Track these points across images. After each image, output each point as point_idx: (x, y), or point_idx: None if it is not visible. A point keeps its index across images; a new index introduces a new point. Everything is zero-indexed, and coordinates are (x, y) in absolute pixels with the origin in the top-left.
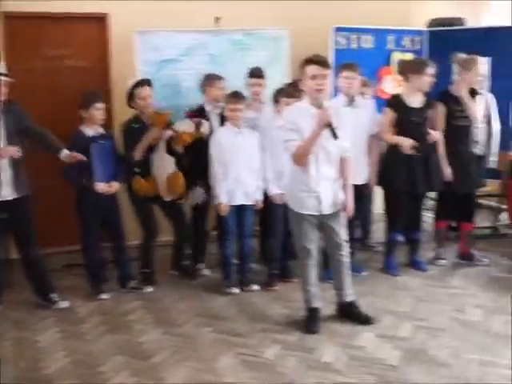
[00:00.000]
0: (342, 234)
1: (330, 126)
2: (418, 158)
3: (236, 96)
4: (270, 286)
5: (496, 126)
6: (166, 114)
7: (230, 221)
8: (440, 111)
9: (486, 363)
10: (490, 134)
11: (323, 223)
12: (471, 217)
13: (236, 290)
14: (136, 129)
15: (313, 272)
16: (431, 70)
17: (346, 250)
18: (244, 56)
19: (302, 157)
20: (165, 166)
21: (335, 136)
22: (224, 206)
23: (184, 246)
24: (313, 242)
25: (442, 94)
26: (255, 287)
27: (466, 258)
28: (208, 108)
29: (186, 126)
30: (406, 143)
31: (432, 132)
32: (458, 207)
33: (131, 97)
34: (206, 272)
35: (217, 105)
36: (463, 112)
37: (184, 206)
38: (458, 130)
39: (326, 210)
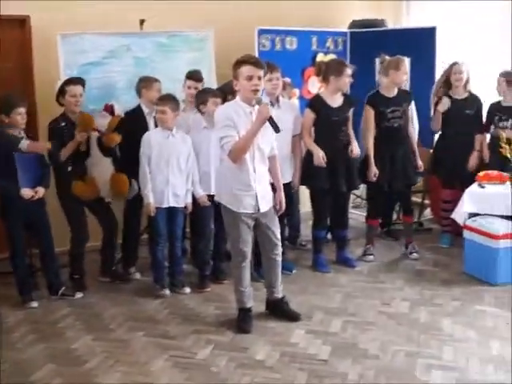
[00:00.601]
0: (277, 233)
1: (270, 119)
2: (338, 156)
3: (164, 99)
4: (202, 287)
5: (416, 125)
6: (90, 117)
7: (160, 224)
8: (369, 113)
9: (411, 354)
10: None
11: (258, 223)
12: (411, 210)
13: (167, 293)
14: (63, 128)
15: (247, 273)
16: (350, 70)
17: (280, 250)
18: (169, 58)
19: (241, 153)
20: (101, 165)
21: (277, 129)
22: (152, 207)
23: (113, 250)
24: (248, 244)
25: (371, 95)
26: (187, 290)
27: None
28: (145, 110)
29: (106, 121)
30: (317, 155)
31: (353, 148)
32: (390, 205)
33: (61, 93)
34: (138, 276)
35: (153, 107)
36: (394, 113)
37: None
38: (391, 131)
39: (263, 207)
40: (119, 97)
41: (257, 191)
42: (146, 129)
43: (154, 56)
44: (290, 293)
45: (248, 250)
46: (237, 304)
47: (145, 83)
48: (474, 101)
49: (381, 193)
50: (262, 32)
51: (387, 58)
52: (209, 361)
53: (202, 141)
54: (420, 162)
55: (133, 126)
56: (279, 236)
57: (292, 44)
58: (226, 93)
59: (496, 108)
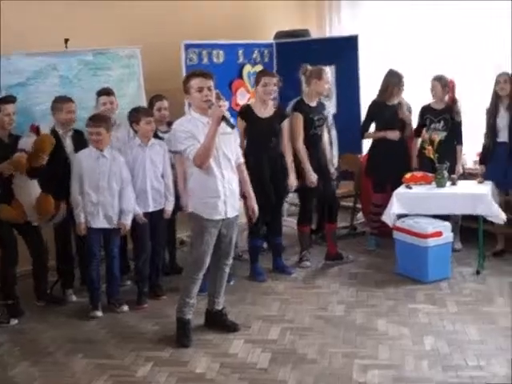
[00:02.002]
0: (233, 244)
1: (224, 118)
2: (267, 168)
3: (96, 119)
4: (140, 304)
5: (335, 132)
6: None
7: (93, 244)
8: (298, 119)
9: (349, 355)
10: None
11: (222, 231)
12: (335, 217)
13: (99, 314)
14: None
15: (197, 286)
16: (266, 79)
17: (231, 261)
18: (97, 76)
19: (205, 156)
20: (28, 187)
21: (232, 125)
22: (82, 226)
23: (45, 274)
24: (209, 257)
25: (296, 104)
26: (125, 308)
27: (335, 258)
28: (59, 131)
29: (31, 140)
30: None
31: (290, 181)
32: (321, 210)
33: None
34: (74, 298)
35: (69, 127)
36: (319, 121)
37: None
38: (316, 138)
39: (230, 213)
40: (45, 117)
41: (226, 196)
42: (61, 150)
43: (80, 75)
44: (228, 304)
45: (207, 262)
46: (177, 315)
47: (55, 104)
48: (407, 108)
49: (310, 199)
50: (188, 46)
51: (309, 67)
52: (149, 378)
53: (136, 158)
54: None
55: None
56: (234, 246)
57: (219, 57)
58: None
59: (427, 110)
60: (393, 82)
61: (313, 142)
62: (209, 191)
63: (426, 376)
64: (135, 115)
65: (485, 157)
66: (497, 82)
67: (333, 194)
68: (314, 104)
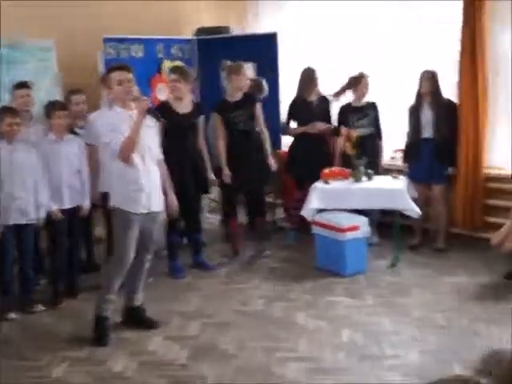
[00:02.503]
0: (154, 239)
1: (150, 110)
2: (186, 163)
3: (13, 111)
4: (56, 303)
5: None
6: None
7: (7, 241)
8: (218, 120)
9: (268, 349)
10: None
11: (143, 226)
12: (264, 212)
13: (14, 316)
14: None
15: (119, 282)
16: (172, 76)
17: (151, 256)
18: (12, 69)
19: (130, 149)
20: None
21: (158, 118)
22: None
23: None
24: (133, 253)
25: (218, 103)
26: (40, 307)
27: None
28: None
29: None
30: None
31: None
32: (249, 206)
33: None
34: None
35: None
36: (240, 117)
37: None
38: (239, 134)
39: (154, 206)
40: None
41: (149, 189)
42: None
43: None
44: (146, 300)
45: (130, 258)
46: (95, 311)
47: None
48: (323, 102)
49: (233, 195)
50: (107, 40)
51: (228, 63)
52: (65, 378)
53: (51, 154)
54: (272, 162)
55: None
56: (154, 242)
57: (138, 52)
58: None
59: (349, 109)
60: (307, 78)
61: (236, 139)
62: (132, 184)
63: (343, 366)
64: (49, 109)
65: (408, 155)
66: (420, 79)
67: (259, 189)
68: (235, 99)
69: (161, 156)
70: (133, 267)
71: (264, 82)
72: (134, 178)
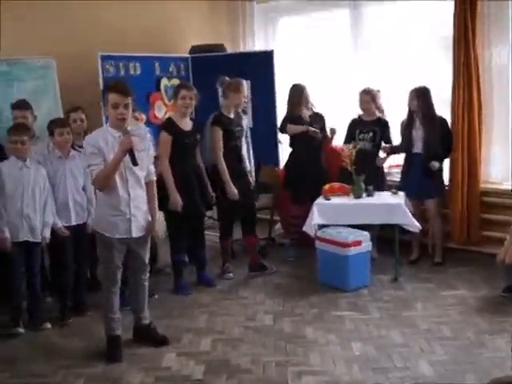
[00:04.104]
0: (146, 258)
1: (131, 151)
2: (194, 180)
3: (19, 128)
4: (63, 319)
5: (250, 145)
6: None
7: (16, 258)
8: (218, 133)
9: (281, 363)
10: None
11: (129, 248)
12: (254, 230)
13: (22, 330)
14: None
15: (116, 299)
16: (184, 93)
17: (147, 275)
18: (11, 87)
19: (105, 181)
20: None
21: (135, 162)
22: (8, 241)
23: None
24: (119, 270)
25: (216, 116)
26: (48, 325)
27: (258, 269)
28: None
29: None
30: (175, 202)
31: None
32: (241, 223)
33: None
34: None
35: None
36: (239, 132)
37: None
38: (236, 149)
39: (135, 232)
40: None
41: (130, 215)
42: None
43: None
44: (155, 318)
45: (119, 274)
46: (106, 332)
47: None
48: (315, 118)
49: (231, 212)
50: (105, 58)
51: (227, 79)
52: None
53: (57, 171)
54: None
55: None
56: (147, 261)
57: (136, 69)
58: None
59: (358, 122)
60: (295, 94)
61: (233, 154)
62: (111, 209)
63: (358, 379)
64: (50, 127)
65: (401, 170)
66: (408, 98)
67: (252, 206)
68: (232, 116)
69: (152, 177)
70: (132, 288)
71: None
72: (113, 203)
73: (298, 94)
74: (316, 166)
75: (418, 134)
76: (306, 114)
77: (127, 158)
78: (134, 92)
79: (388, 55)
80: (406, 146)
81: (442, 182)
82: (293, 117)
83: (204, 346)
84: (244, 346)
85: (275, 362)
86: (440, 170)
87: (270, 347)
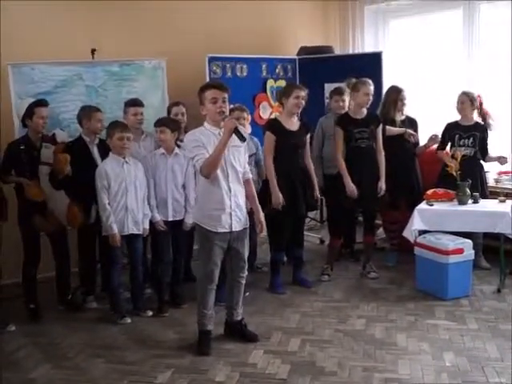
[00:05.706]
0: (245, 256)
1: (236, 130)
2: (297, 180)
3: (123, 125)
4: (161, 312)
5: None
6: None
7: (117, 250)
8: (339, 134)
9: (368, 369)
10: None
11: (229, 245)
12: (373, 230)
13: (129, 320)
14: (21, 151)
15: (212, 296)
16: (298, 92)
17: (245, 273)
18: (121, 87)
19: (213, 167)
20: (54, 198)
21: (243, 138)
22: (117, 238)
23: (66, 279)
24: (218, 268)
25: (340, 116)
26: (149, 312)
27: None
28: (87, 139)
29: (49, 151)
30: (277, 198)
31: (382, 185)
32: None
33: (29, 115)
34: (94, 305)
35: (95, 136)
36: (361, 133)
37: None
38: (359, 151)
39: (236, 226)
40: (69, 126)
41: (231, 209)
42: (89, 157)
43: (105, 85)
44: (247, 314)
45: (217, 273)
46: (198, 326)
47: (85, 113)
48: (412, 123)
49: (344, 213)
50: (212, 59)
51: (354, 80)
52: None
53: (158, 167)
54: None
55: (76, 155)
56: (246, 259)
57: (242, 71)
58: None
59: (455, 127)
60: (392, 97)
61: (354, 156)
62: (214, 203)
63: None
64: (160, 124)
65: None
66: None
67: (373, 209)
68: (359, 117)
69: (248, 175)
70: (229, 284)
71: None
72: (215, 197)
73: (394, 96)
74: (409, 170)
75: None
76: (399, 117)
77: (228, 153)
78: (241, 93)
79: (503, 58)
80: None
81: None
82: (386, 119)
83: (292, 346)
84: (332, 348)
85: (362, 367)
86: None
87: (358, 352)
